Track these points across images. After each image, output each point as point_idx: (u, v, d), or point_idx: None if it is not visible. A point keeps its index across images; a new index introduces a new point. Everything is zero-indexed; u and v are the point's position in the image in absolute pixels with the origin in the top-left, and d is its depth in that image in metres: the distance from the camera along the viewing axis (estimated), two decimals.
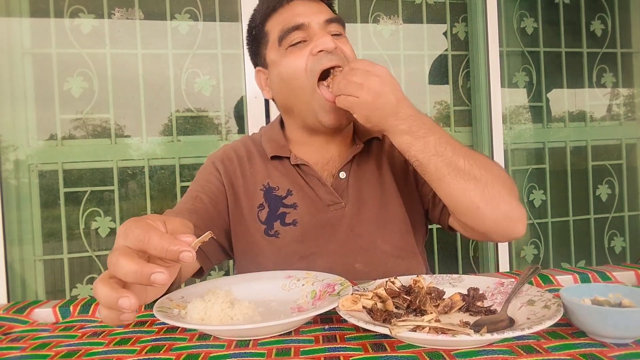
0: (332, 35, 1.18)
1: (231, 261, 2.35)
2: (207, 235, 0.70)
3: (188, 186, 1.32)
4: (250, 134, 1.50)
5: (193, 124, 2.32)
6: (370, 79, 1.00)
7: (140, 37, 2.26)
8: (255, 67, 1.33)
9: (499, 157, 2.47)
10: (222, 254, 1.32)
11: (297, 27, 1.16)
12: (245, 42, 1.34)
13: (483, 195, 1.05)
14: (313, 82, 1.16)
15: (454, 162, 1.04)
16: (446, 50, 2.61)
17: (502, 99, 2.51)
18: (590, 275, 1.06)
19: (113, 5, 2.23)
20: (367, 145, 1.33)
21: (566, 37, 2.73)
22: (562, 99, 2.77)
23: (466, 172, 1.04)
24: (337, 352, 0.70)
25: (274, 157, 1.30)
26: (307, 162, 1.27)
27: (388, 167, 1.33)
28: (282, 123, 1.38)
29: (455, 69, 2.61)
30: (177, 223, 0.75)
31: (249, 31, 1.30)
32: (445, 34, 2.61)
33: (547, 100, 2.73)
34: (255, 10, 1.29)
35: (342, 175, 1.28)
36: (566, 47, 2.73)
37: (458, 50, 2.62)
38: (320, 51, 1.15)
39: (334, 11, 1.27)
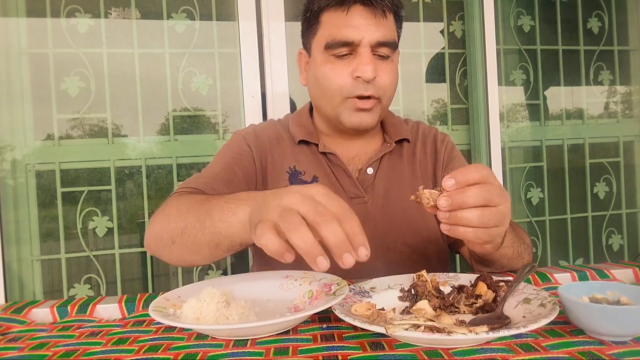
0: (379, 57, 1.18)
1: (229, 260, 2.35)
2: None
3: None
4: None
5: (190, 123, 2.32)
6: (506, 199, 0.79)
7: (137, 36, 2.26)
8: (301, 47, 1.33)
9: (496, 155, 2.47)
10: None
11: (346, 44, 1.16)
12: (300, 15, 1.30)
13: (510, 264, 1.09)
14: (344, 98, 1.19)
15: (507, 251, 1.03)
16: (443, 48, 2.61)
17: (499, 97, 2.50)
18: (588, 273, 1.06)
19: (109, 5, 2.23)
20: (397, 145, 1.34)
21: (563, 34, 2.73)
22: (559, 97, 2.77)
23: (514, 254, 1.06)
24: (335, 351, 0.70)
25: (301, 142, 1.31)
26: (334, 152, 1.28)
27: (419, 171, 1.34)
28: (311, 111, 1.39)
29: (452, 67, 2.61)
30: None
31: (305, 10, 1.27)
32: (442, 32, 2.61)
33: (545, 98, 2.73)
34: None
35: (370, 171, 1.29)
36: (563, 45, 2.73)
37: (455, 48, 2.62)
38: (359, 77, 1.15)
39: (398, 21, 1.25)
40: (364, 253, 0.66)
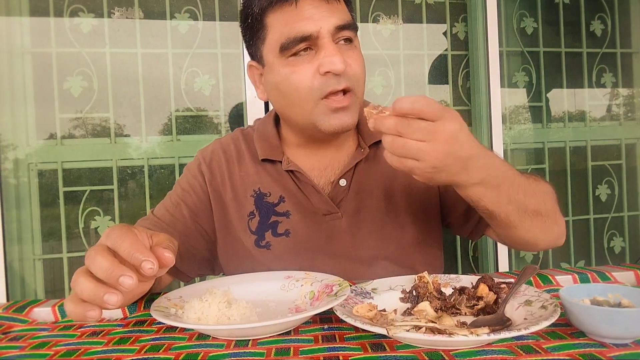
0: (342, 42, 1.06)
1: None
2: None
3: None
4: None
5: (193, 123, 2.32)
6: (436, 140, 0.76)
7: (140, 36, 2.26)
8: (249, 59, 1.17)
9: None
10: (203, 268, 1.27)
11: (303, 39, 1.02)
12: (239, 22, 1.17)
13: (543, 228, 1.03)
14: (317, 99, 1.05)
15: (524, 206, 0.95)
16: (446, 50, 2.61)
17: (501, 99, 2.50)
18: (589, 275, 1.06)
19: (113, 5, 2.23)
20: (373, 149, 1.21)
21: (566, 37, 2.73)
22: (561, 99, 2.76)
23: (533, 212, 0.97)
24: (336, 352, 0.70)
25: (265, 160, 1.20)
26: (300, 169, 1.16)
27: (399, 176, 1.19)
28: (277, 119, 1.26)
29: (455, 69, 2.61)
30: (162, 237, 0.78)
31: (244, 17, 1.12)
32: (445, 33, 2.61)
33: (547, 100, 2.73)
34: None
35: (343, 182, 1.17)
36: (566, 47, 2.73)
37: (458, 50, 2.62)
38: (328, 71, 1.02)
39: (348, 4, 1.11)
40: (148, 266, 0.68)
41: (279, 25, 1.04)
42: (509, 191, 0.92)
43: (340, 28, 1.04)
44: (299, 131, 1.17)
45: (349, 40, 1.07)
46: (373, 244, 1.16)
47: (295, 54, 1.04)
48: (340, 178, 1.17)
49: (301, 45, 1.03)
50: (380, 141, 1.13)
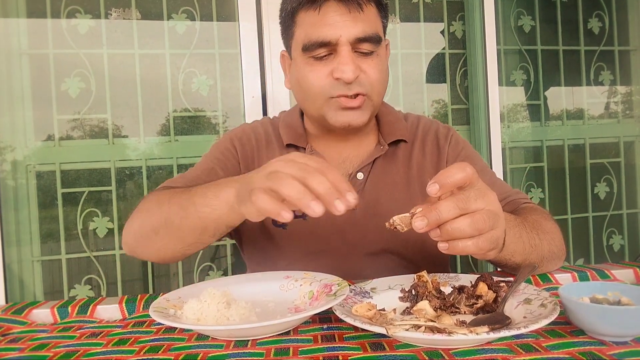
0: (362, 54, 1.11)
1: (229, 260, 2.35)
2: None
3: None
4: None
5: (190, 123, 2.32)
6: (488, 197, 0.73)
7: (137, 37, 2.26)
8: (283, 49, 1.26)
9: (496, 155, 2.47)
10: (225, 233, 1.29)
11: (323, 45, 1.08)
12: (279, 14, 1.23)
13: (525, 257, 1.01)
14: (327, 97, 1.12)
15: (524, 251, 0.96)
16: (443, 48, 2.61)
17: (499, 97, 2.50)
18: (588, 273, 1.06)
19: (110, 6, 2.23)
20: (392, 147, 1.26)
21: (563, 35, 2.73)
22: (559, 97, 2.77)
23: (530, 249, 0.97)
24: (335, 352, 0.70)
25: (289, 145, 1.26)
26: (322, 156, 1.22)
27: (416, 174, 1.25)
28: (302, 111, 1.32)
29: (453, 68, 2.61)
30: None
31: (281, 9, 1.20)
32: (442, 32, 2.61)
33: (545, 98, 2.73)
34: None
35: (360, 176, 1.22)
36: (564, 45, 2.73)
37: (455, 48, 2.62)
38: (339, 78, 1.09)
39: (382, 10, 1.15)
40: (352, 197, 0.71)
41: (305, 26, 1.11)
42: (528, 237, 0.96)
43: (360, 40, 1.09)
44: (316, 122, 1.24)
45: (369, 53, 1.12)
46: (384, 238, 1.19)
47: (315, 57, 1.11)
48: (358, 171, 1.23)
49: (320, 50, 1.09)
50: (400, 140, 1.26)
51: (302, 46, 1.11)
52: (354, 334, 0.77)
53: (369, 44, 1.10)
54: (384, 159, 1.25)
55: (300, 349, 0.72)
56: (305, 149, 1.25)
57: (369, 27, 1.10)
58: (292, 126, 1.29)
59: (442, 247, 0.73)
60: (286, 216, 0.70)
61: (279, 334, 0.79)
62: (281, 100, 2.28)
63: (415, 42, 2.57)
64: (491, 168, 2.40)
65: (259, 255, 1.27)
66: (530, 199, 1.29)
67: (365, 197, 1.21)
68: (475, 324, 0.73)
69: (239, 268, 2.29)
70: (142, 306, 0.98)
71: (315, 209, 0.69)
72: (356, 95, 1.11)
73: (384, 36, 1.18)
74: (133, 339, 0.82)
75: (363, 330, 0.75)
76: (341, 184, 0.71)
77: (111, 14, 2.23)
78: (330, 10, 1.07)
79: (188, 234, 0.95)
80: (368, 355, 0.68)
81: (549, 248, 1.03)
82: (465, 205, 0.70)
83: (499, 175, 2.44)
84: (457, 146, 1.31)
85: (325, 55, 1.10)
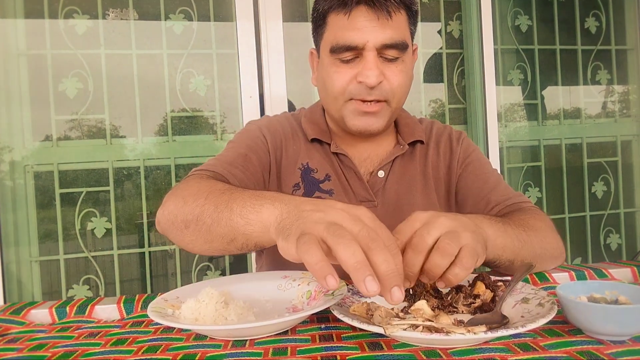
0: (387, 60, 1.13)
1: (227, 260, 2.35)
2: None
3: None
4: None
5: (188, 124, 2.32)
6: (459, 224, 0.78)
7: (135, 37, 2.26)
8: (312, 47, 1.28)
9: (494, 155, 2.48)
10: None
11: (350, 48, 1.11)
12: (311, 12, 1.24)
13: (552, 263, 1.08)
14: (346, 100, 1.16)
15: (513, 245, 0.96)
16: (441, 48, 2.61)
17: (497, 96, 2.51)
18: (586, 272, 1.06)
19: (107, 6, 2.23)
20: (410, 147, 1.31)
21: (560, 34, 2.73)
22: (557, 97, 2.77)
23: (519, 243, 0.98)
24: (333, 351, 0.70)
25: (314, 140, 1.28)
26: (346, 153, 1.25)
27: (432, 173, 1.30)
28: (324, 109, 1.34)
29: (450, 67, 2.62)
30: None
31: (313, 9, 1.21)
32: (439, 32, 2.61)
33: (542, 97, 2.73)
34: None
35: (381, 174, 1.26)
36: (561, 45, 2.74)
37: (453, 48, 2.62)
38: (362, 82, 1.11)
39: (411, 16, 1.17)
40: (398, 295, 0.63)
41: (335, 29, 1.13)
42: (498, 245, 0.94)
43: (387, 46, 1.11)
44: (336, 123, 1.27)
45: (394, 59, 1.14)
46: None
47: (342, 59, 1.13)
48: (379, 170, 1.26)
49: (347, 53, 1.12)
50: (418, 141, 1.30)
51: (330, 48, 1.13)
52: (351, 334, 0.77)
53: (395, 50, 1.12)
54: (403, 158, 1.30)
55: (298, 349, 0.72)
56: (330, 144, 1.27)
57: (396, 34, 1.11)
58: (315, 122, 1.31)
59: (441, 285, 0.77)
60: (332, 284, 0.61)
61: (276, 334, 0.79)
62: (279, 101, 2.28)
63: None
64: None
65: (272, 249, 1.28)
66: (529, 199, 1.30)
67: (386, 194, 1.26)
68: (472, 323, 0.74)
69: (237, 268, 2.29)
70: (140, 306, 0.98)
71: (369, 288, 0.60)
72: (376, 101, 1.14)
73: (412, 42, 1.21)
74: (131, 339, 0.82)
75: (361, 329, 0.75)
76: (402, 270, 0.66)
77: (109, 15, 2.23)
78: (360, 15, 1.10)
79: (216, 239, 0.89)
80: (366, 354, 0.68)
81: (541, 245, 1.03)
82: (422, 246, 0.74)
83: None
84: (468, 148, 1.35)
85: (351, 59, 1.13)
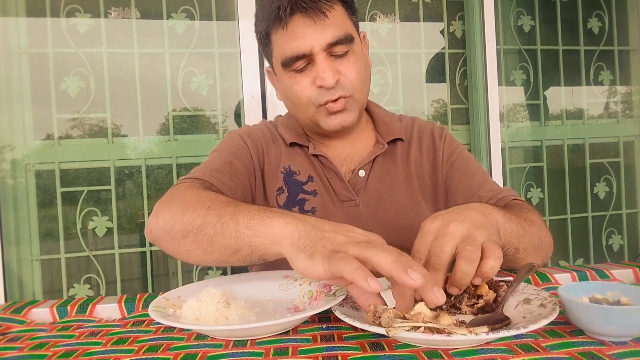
0: (337, 56, 1.15)
1: None
2: None
3: None
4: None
5: (190, 123, 2.32)
6: (465, 220, 0.82)
7: (137, 36, 2.26)
8: (267, 65, 1.31)
9: (496, 155, 2.47)
10: None
11: (299, 58, 1.13)
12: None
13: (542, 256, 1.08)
14: (316, 106, 1.17)
15: (517, 232, 0.98)
16: (443, 48, 2.61)
17: (499, 97, 2.51)
18: (588, 273, 1.06)
19: (109, 5, 2.23)
20: (391, 146, 1.31)
21: (563, 35, 2.73)
22: (559, 97, 2.77)
23: (522, 230, 1.00)
24: (335, 352, 0.70)
25: (293, 144, 1.29)
26: (325, 154, 1.26)
27: (414, 172, 1.31)
28: None
29: (453, 67, 2.61)
30: None
31: (256, 32, 1.25)
32: (442, 32, 2.61)
33: (545, 98, 2.73)
34: (256, 13, 1.23)
35: (362, 173, 1.27)
36: (563, 45, 2.73)
37: (455, 48, 2.62)
38: (321, 86, 1.14)
39: (348, 8, 1.18)
40: (439, 294, 0.69)
41: (279, 44, 1.16)
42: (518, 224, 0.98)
43: (332, 45, 1.13)
44: (310, 129, 1.28)
45: (344, 54, 1.16)
46: (387, 233, 1.18)
47: (296, 70, 1.16)
48: (359, 169, 1.27)
49: (298, 63, 1.14)
50: (396, 139, 1.31)
51: (282, 62, 1.16)
52: (353, 334, 0.77)
53: (342, 45, 1.14)
54: (384, 157, 1.30)
55: (299, 349, 0.71)
56: (308, 147, 1.28)
57: (338, 30, 1.13)
58: (292, 127, 1.32)
59: (477, 281, 0.79)
60: (374, 284, 0.65)
61: (278, 334, 0.79)
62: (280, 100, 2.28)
63: (414, 42, 2.57)
64: (491, 168, 2.41)
65: None
66: (530, 199, 1.31)
67: (368, 193, 1.26)
68: (474, 324, 0.73)
69: (238, 268, 2.28)
70: (141, 305, 0.98)
71: (414, 277, 0.65)
72: (341, 98, 1.16)
73: (358, 31, 1.23)
74: (132, 338, 0.82)
75: (362, 330, 0.75)
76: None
77: (110, 13, 2.23)
78: (297, 24, 1.12)
79: (217, 250, 0.88)
80: (367, 355, 0.68)
81: (538, 235, 1.05)
82: (440, 265, 0.79)
83: (499, 175, 2.44)
84: (452, 144, 1.36)
85: (304, 66, 1.15)
